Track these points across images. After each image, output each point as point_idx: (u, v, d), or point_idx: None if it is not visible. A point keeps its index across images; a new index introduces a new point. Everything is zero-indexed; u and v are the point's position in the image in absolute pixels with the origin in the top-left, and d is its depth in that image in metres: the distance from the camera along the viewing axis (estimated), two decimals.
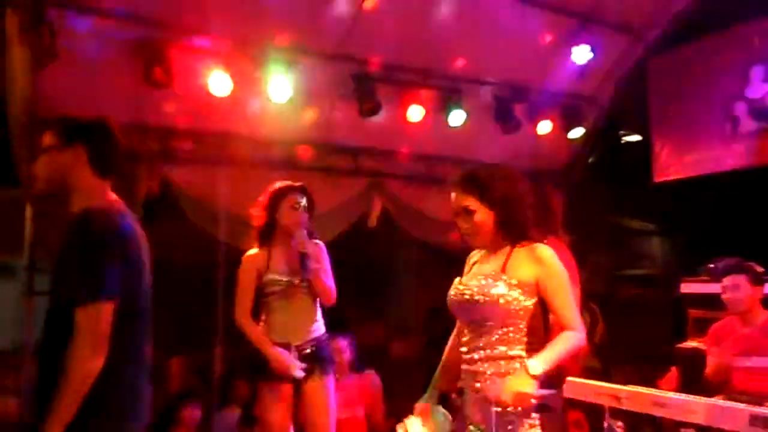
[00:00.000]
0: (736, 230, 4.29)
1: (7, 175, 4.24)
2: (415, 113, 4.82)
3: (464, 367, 2.13)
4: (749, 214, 4.38)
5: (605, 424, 3.61)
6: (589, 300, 4.72)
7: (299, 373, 3.00)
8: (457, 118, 4.88)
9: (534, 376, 1.88)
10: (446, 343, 2.37)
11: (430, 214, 5.06)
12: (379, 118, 4.71)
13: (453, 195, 2.14)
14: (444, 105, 4.90)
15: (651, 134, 5.51)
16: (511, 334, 2.03)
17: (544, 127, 5.31)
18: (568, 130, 5.37)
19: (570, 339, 2.00)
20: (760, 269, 3.40)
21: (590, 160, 5.46)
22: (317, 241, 3.21)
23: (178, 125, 4.31)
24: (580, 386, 3.44)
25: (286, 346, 3.06)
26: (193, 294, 4.83)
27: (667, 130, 5.38)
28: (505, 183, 2.10)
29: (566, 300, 2.04)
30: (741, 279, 3.35)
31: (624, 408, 3.25)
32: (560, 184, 5.17)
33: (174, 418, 4.15)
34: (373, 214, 5.06)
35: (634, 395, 3.21)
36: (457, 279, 2.19)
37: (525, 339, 2.03)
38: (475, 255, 2.27)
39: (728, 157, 4.91)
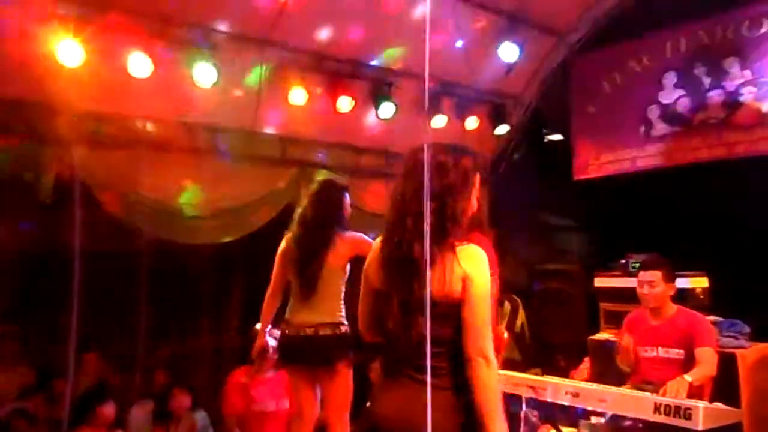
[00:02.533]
0: (650, 227, 4.52)
1: None
2: (345, 104, 4.78)
3: None
4: (662, 213, 4.62)
5: (522, 413, 3.74)
6: (510, 292, 4.86)
7: None
8: (386, 110, 4.88)
9: None
10: None
11: (357, 205, 5.05)
12: (308, 108, 4.64)
13: None
14: (373, 97, 4.88)
15: (571, 133, 5.71)
16: None
17: (471, 122, 5.40)
18: (494, 126, 5.49)
19: None
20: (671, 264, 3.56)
21: (514, 156, 5.60)
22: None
23: (92, 107, 4.07)
24: (500, 377, 3.53)
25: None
26: (109, 284, 4.61)
27: (586, 130, 5.61)
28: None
29: None
30: (657, 274, 3.45)
31: (540, 398, 3.37)
32: (485, 180, 5.28)
33: (86, 415, 3.95)
34: None
35: (550, 385, 3.33)
36: None
37: None
38: None
39: (642, 158, 5.18)
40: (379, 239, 1.93)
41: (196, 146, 4.52)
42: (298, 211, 3.27)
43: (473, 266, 1.80)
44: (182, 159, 4.48)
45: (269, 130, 4.83)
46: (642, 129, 5.21)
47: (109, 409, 3.99)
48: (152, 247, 4.71)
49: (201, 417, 4.44)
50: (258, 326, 3.38)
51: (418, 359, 1.72)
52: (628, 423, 3.19)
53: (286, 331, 3.10)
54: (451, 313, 1.79)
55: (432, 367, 1.67)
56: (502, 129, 5.51)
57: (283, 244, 3.24)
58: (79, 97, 3.83)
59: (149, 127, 4.28)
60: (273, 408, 4.09)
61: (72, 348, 3.96)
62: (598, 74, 5.49)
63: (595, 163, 5.44)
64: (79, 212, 4.01)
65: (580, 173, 5.55)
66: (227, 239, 4.74)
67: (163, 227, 4.42)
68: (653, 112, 5.16)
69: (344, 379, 3.09)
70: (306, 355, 3.05)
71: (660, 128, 5.10)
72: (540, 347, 5.16)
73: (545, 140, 6.31)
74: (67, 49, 3.62)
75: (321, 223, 3.12)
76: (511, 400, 3.97)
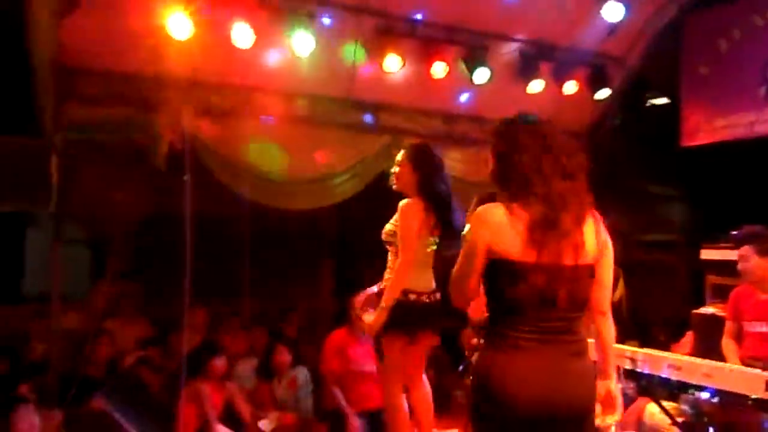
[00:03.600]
0: (764, 198, 4.21)
1: (31, 125, 4.29)
2: (439, 70, 4.73)
3: None
4: None
5: (619, 385, 3.66)
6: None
7: None
8: (481, 75, 4.79)
9: None
10: None
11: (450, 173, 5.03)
12: (402, 74, 4.65)
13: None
14: (469, 62, 4.80)
15: (680, 97, 5.36)
16: None
17: (570, 87, 5.19)
18: (594, 90, 5.25)
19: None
20: None
21: (615, 122, 5.35)
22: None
23: (199, 77, 4.29)
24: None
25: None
26: (217, 246, 4.90)
27: (697, 93, 5.23)
28: (500, 139, 1.96)
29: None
30: (749, 250, 3.40)
31: (639, 369, 3.29)
32: (584, 146, 5.10)
33: (201, 368, 4.26)
34: None
35: (650, 357, 3.24)
36: None
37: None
38: None
39: (761, 122, 4.77)
40: (500, 210, 1.87)
41: (293, 114, 4.68)
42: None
43: (604, 229, 1.96)
44: (280, 127, 4.65)
45: (364, 98, 4.89)
46: (763, 90, 4.79)
47: (220, 363, 4.30)
48: (253, 212, 4.95)
49: (302, 373, 4.69)
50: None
51: (565, 327, 1.86)
52: (732, 400, 3.07)
53: (411, 297, 3.07)
54: (591, 276, 1.92)
55: (575, 332, 1.88)
56: (603, 93, 5.25)
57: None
58: (188, 67, 4.05)
59: (252, 96, 4.45)
60: (370, 369, 4.22)
61: (185, 304, 4.27)
62: (714, 32, 5.07)
63: (707, 128, 5.07)
64: (190, 178, 4.28)
65: (689, 139, 5.21)
66: (322, 204, 4.90)
67: (261, 193, 4.64)
68: None
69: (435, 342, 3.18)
70: (426, 320, 3.10)
71: None
72: (638, 320, 4.99)
73: (648, 104, 5.97)
74: (176, 22, 3.83)
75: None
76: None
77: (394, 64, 4.58)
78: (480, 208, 1.92)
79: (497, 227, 1.85)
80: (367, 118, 4.88)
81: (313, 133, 4.77)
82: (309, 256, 5.93)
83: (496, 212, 1.87)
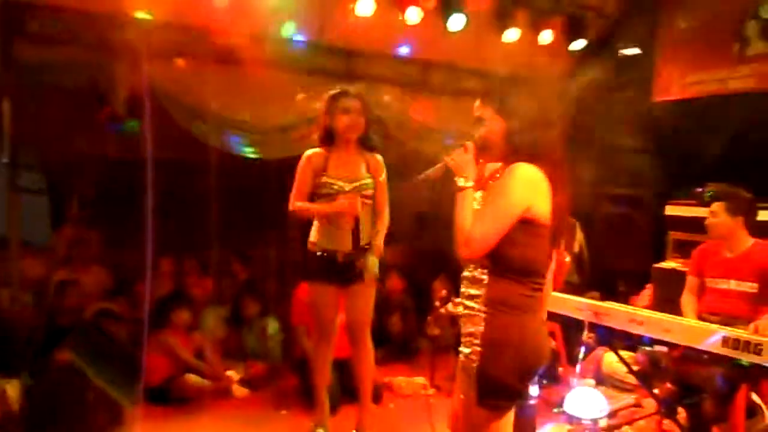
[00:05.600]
0: (735, 156, 4.25)
1: None
2: (413, 15, 4.57)
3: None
4: (749, 140, 4.32)
5: (584, 338, 3.78)
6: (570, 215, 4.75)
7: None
8: (456, 22, 4.65)
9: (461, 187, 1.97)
10: None
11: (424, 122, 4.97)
12: (373, 19, 4.48)
13: (476, 103, 2.08)
14: (444, 8, 4.64)
15: (654, 50, 5.31)
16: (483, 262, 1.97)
17: (545, 36, 5.09)
18: (570, 41, 5.16)
19: (465, 226, 1.91)
20: (745, 196, 3.41)
21: (589, 73, 5.28)
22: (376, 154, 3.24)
23: (159, 17, 4.05)
24: (561, 300, 3.55)
25: (333, 254, 3.14)
26: (183, 194, 4.77)
27: (673, 47, 5.18)
28: (515, 98, 2.00)
29: (482, 213, 1.93)
30: (719, 206, 3.40)
31: (602, 324, 3.38)
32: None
33: (166, 318, 4.24)
34: None
35: (614, 312, 3.33)
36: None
37: (488, 263, 1.95)
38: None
39: (734, 79, 4.77)
40: (537, 172, 1.90)
41: (260, 58, 4.48)
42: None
43: None
44: (246, 71, 4.46)
45: (334, 43, 4.71)
46: (737, 47, 4.77)
47: (184, 314, 4.27)
48: (219, 159, 4.80)
49: (271, 323, 4.70)
50: None
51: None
52: (689, 353, 3.19)
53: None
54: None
55: None
56: (579, 44, 5.17)
57: None
58: (147, 7, 3.81)
59: (216, 39, 4.24)
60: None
61: (148, 253, 4.18)
62: None
63: (680, 83, 5.06)
64: (150, 123, 4.11)
65: (661, 94, 5.19)
66: (290, 154, 4.77)
67: (226, 140, 4.50)
68: (751, 29, 4.70)
69: None
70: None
71: (757, 46, 4.66)
72: (600, 272, 5.11)
73: (620, 55, 5.89)
74: None
75: None
76: (573, 324, 4.03)
77: (366, 7, 4.41)
78: (524, 168, 1.91)
79: (538, 189, 1.91)
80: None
81: (282, 79, 4.60)
82: (276, 205, 5.84)
83: (536, 174, 1.91)
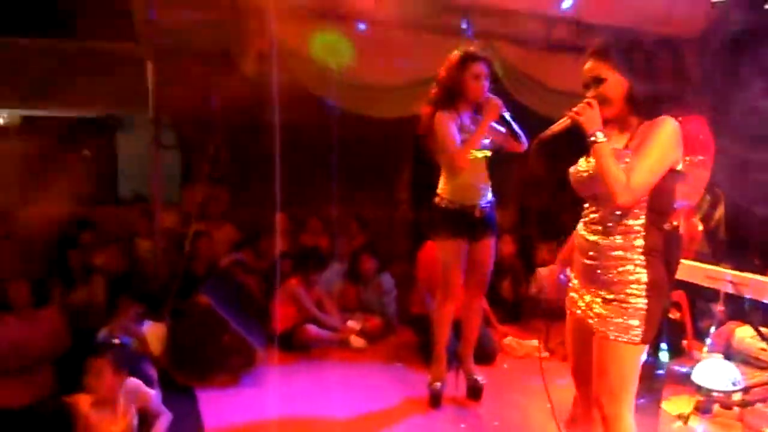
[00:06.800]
0: None
1: (128, 30, 4.32)
2: None
3: (579, 238, 2.19)
4: None
5: (718, 308, 3.58)
6: (715, 185, 4.45)
7: None
8: None
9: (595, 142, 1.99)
10: None
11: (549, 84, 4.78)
12: None
13: (587, 63, 2.09)
14: None
15: None
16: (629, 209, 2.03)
17: None
18: None
19: (619, 176, 1.95)
20: None
21: (731, 27, 4.83)
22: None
23: None
24: (692, 269, 3.37)
25: (467, 208, 3.19)
26: (302, 154, 4.95)
27: None
28: (643, 54, 2.01)
29: (640, 163, 1.95)
30: None
31: (742, 295, 3.17)
32: (696, 55, 4.68)
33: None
34: None
35: (755, 283, 3.11)
36: (583, 158, 2.15)
37: (644, 213, 2.02)
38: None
39: None
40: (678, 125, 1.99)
41: (381, 18, 4.48)
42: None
43: None
44: (369, 31, 4.50)
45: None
46: None
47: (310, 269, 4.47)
48: (339, 121, 4.92)
49: (386, 280, 4.83)
50: None
51: None
52: None
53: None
54: None
55: None
56: None
57: None
58: None
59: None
60: None
61: (275, 210, 4.39)
62: None
63: None
64: (278, 85, 4.25)
65: None
66: (411, 112, 4.79)
67: (349, 100, 4.57)
68: None
69: None
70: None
71: None
72: (734, 244, 4.77)
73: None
74: None
75: None
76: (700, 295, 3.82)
77: None
78: (673, 122, 1.98)
79: (680, 141, 2.00)
80: (463, 23, 4.62)
81: (402, 38, 4.59)
82: (390, 164, 5.92)
83: (678, 127, 1.99)
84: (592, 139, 2.00)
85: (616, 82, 2.02)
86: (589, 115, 2.02)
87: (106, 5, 4.63)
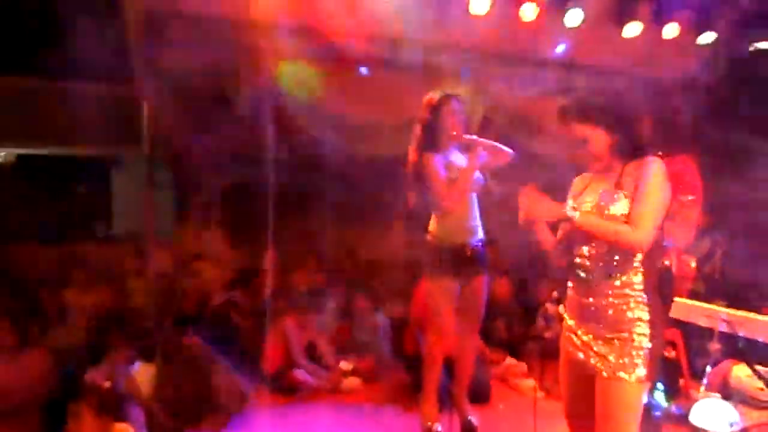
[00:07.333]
0: None
1: (123, 72, 4.38)
2: (529, 11, 4.48)
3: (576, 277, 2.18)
4: None
5: (713, 347, 3.55)
6: (716, 230, 4.46)
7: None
8: (574, 17, 4.51)
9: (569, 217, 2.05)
10: None
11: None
12: (488, 16, 4.43)
13: (568, 125, 2.15)
14: (560, 3, 4.52)
15: None
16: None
17: (670, 30, 4.81)
18: (697, 34, 4.85)
19: (620, 229, 2.00)
20: None
21: (719, 69, 4.94)
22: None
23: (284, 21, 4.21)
24: (687, 307, 3.36)
25: (457, 246, 3.17)
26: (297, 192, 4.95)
27: None
28: (620, 106, 2.10)
29: (642, 209, 2.00)
30: None
31: (737, 334, 3.16)
32: (685, 97, 4.77)
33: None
34: None
35: (751, 322, 3.10)
36: (569, 201, 2.20)
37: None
38: (579, 181, 2.30)
39: None
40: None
41: (375, 59, 4.57)
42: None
43: None
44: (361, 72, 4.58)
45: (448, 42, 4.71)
46: None
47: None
48: (335, 156, 4.96)
49: (381, 319, 4.78)
50: None
51: None
52: None
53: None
54: None
55: None
56: (708, 37, 4.84)
57: None
58: (275, 11, 3.98)
59: (338, 43, 4.37)
60: None
61: (268, 249, 4.37)
62: None
63: None
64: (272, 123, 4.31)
65: None
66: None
67: (342, 137, 4.62)
68: None
69: None
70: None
71: None
72: (729, 281, 4.76)
73: (752, 49, 5.47)
74: None
75: None
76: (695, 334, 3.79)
77: (481, 6, 4.37)
78: (659, 162, 2.03)
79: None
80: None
81: (395, 78, 4.66)
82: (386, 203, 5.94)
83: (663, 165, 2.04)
84: (569, 218, 2.08)
85: (598, 138, 2.09)
86: (535, 209, 2.13)
87: (103, 45, 4.70)
